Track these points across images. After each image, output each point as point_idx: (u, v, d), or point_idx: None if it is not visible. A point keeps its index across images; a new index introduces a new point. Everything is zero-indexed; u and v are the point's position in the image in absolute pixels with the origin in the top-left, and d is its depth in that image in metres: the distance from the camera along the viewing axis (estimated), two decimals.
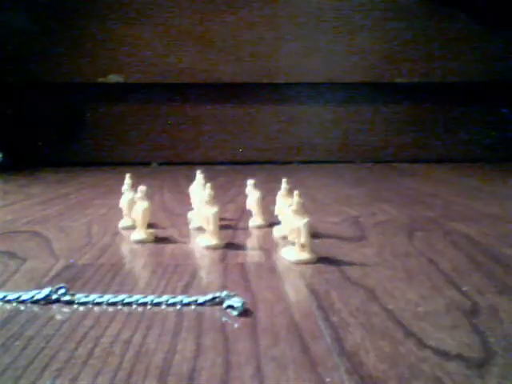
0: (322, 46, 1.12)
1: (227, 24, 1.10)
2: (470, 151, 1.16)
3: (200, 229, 0.43)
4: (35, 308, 0.28)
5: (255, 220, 0.48)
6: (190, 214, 0.50)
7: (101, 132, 1.14)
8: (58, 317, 0.27)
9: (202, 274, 0.34)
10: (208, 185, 0.41)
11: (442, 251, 0.39)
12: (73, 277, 0.33)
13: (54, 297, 0.29)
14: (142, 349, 0.23)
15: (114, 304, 0.28)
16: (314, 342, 0.23)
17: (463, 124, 1.16)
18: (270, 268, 0.35)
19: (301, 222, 0.36)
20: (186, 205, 0.62)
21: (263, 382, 0.20)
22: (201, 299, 0.28)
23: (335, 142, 1.16)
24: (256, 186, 0.49)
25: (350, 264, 0.36)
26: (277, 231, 0.44)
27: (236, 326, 0.25)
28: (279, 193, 0.44)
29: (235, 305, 0.27)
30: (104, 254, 0.39)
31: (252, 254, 0.39)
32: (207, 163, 1.14)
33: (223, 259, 0.37)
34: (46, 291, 0.29)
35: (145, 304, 0.28)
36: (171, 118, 1.14)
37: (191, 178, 0.53)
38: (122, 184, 0.49)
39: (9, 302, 0.29)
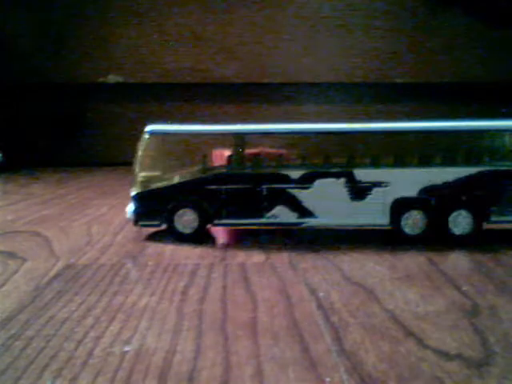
0: (321, 45, 1.12)
1: (227, 24, 1.10)
2: None
3: None
4: (35, 308, 0.28)
5: None
6: None
7: (101, 132, 1.14)
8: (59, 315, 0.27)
9: (203, 274, 0.34)
10: None
11: (441, 251, 0.39)
12: (73, 277, 0.33)
13: None
14: (142, 349, 0.23)
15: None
16: (314, 342, 0.23)
17: None
18: (270, 268, 0.35)
19: None
20: None
21: (263, 382, 0.20)
22: None
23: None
24: None
25: (350, 264, 0.36)
26: None
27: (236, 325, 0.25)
28: None
29: None
30: (104, 254, 0.39)
31: (252, 254, 0.39)
32: None
33: (223, 259, 0.37)
34: None
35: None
36: (171, 117, 1.14)
37: None
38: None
39: None
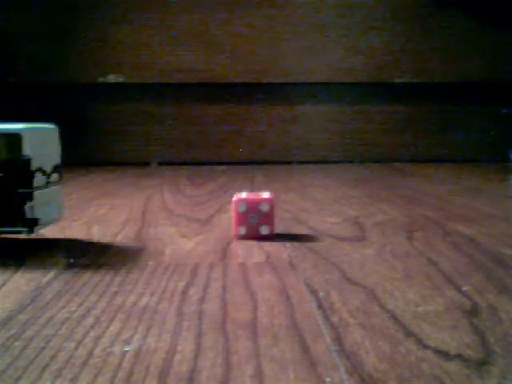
0: (321, 46, 1.12)
1: (227, 24, 1.10)
2: (469, 151, 1.16)
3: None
4: (35, 308, 0.28)
5: None
6: None
7: (101, 132, 1.14)
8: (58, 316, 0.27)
9: (203, 274, 0.34)
10: None
11: (441, 251, 0.39)
12: (73, 277, 0.33)
13: None
14: (142, 349, 0.23)
15: None
16: (314, 341, 0.23)
17: (463, 124, 1.16)
18: (270, 268, 0.35)
19: None
20: (186, 205, 0.62)
21: (263, 382, 0.20)
22: None
23: (335, 142, 1.16)
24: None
25: (350, 264, 0.36)
26: None
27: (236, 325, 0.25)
28: None
29: None
30: (104, 254, 0.39)
31: (252, 254, 0.39)
32: (207, 163, 1.14)
33: (223, 259, 0.37)
34: None
35: None
36: (171, 118, 1.14)
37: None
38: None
39: None
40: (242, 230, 0.43)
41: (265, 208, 0.43)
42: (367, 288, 0.31)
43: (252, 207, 0.43)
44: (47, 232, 0.46)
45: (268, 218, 0.43)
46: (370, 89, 1.15)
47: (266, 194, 0.45)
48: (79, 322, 0.26)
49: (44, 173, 0.39)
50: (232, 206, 0.43)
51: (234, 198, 0.43)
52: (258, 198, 0.43)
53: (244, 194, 0.44)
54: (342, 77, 1.13)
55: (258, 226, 0.43)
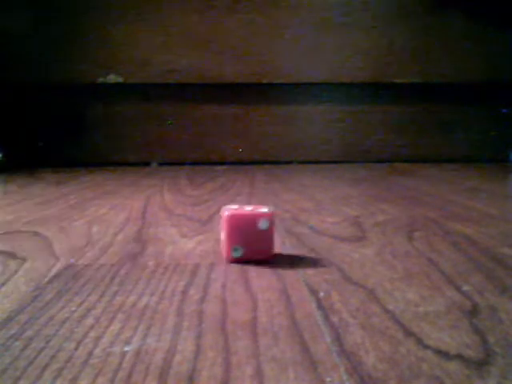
0: (321, 45, 1.12)
1: (227, 24, 1.10)
2: (469, 151, 1.16)
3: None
4: (35, 308, 0.28)
5: None
6: None
7: (101, 132, 1.14)
8: (59, 316, 0.27)
9: (203, 274, 0.34)
10: None
11: (441, 251, 0.39)
12: (73, 277, 0.33)
13: None
14: (142, 349, 0.23)
15: None
16: (314, 342, 0.23)
17: (463, 124, 1.16)
18: (270, 268, 0.35)
19: None
20: (186, 205, 0.62)
21: (263, 382, 0.20)
22: None
23: (335, 142, 1.16)
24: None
25: (350, 264, 0.36)
26: None
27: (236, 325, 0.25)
28: None
29: None
30: (104, 254, 0.39)
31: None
32: (207, 163, 1.14)
33: (223, 259, 0.37)
34: None
35: None
36: (171, 118, 1.14)
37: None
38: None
39: None
40: (236, 252, 0.36)
41: (264, 225, 0.35)
42: (367, 288, 0.31)
43: (248, 223, 0.35)
44: (47, 232, 0.46)
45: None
46: (370, 89, 1.15)
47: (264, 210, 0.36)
48: (79, 322, 0.26)
49: None
50: (222, 223, 0.36)
51: (227, 213, 0.36)
52: (255, 214, 0.35)
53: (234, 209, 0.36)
54: (342, 77, 1.12)
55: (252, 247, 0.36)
